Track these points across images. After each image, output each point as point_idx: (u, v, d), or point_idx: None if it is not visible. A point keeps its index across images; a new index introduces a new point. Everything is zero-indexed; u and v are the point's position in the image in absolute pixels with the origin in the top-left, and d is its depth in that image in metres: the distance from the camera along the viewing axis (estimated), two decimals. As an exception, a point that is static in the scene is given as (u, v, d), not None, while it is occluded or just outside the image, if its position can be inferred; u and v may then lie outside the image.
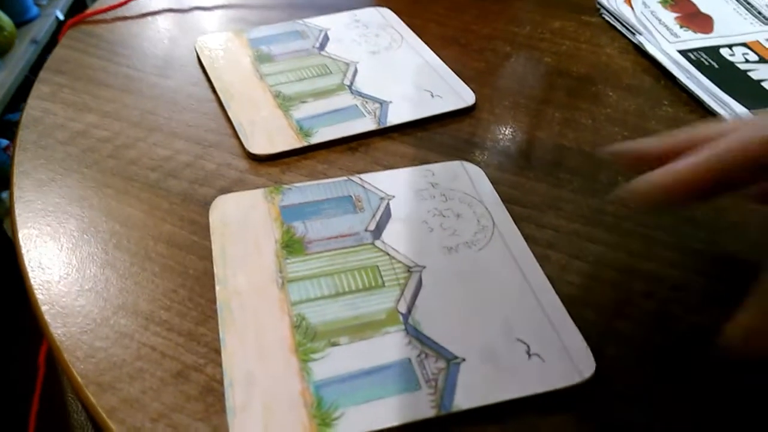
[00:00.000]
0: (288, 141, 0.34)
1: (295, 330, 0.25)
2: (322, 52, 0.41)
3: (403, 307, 0.26)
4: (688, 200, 0.23)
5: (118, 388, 0.24)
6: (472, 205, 0.31)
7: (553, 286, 0.27)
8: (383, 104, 0.37)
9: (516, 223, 0.30)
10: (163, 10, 0.46)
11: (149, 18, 0.45)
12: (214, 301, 0.27)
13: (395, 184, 0.32)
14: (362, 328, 0.25)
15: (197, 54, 0.41)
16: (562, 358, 0.24)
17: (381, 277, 0.27)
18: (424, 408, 0.23)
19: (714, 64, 0.40)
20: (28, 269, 0.29)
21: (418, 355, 0.24)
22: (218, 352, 0.25)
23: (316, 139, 0.34)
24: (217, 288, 0.27)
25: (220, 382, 0.24)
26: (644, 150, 0.26)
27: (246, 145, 0.34)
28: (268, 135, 0.35)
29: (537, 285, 0.27)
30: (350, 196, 0.31)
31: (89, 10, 0.45)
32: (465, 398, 0.23)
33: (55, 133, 0.35)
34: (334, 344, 0.25)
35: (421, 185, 0.32)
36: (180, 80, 0.39)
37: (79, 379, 0.24)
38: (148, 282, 0.28)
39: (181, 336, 0.26)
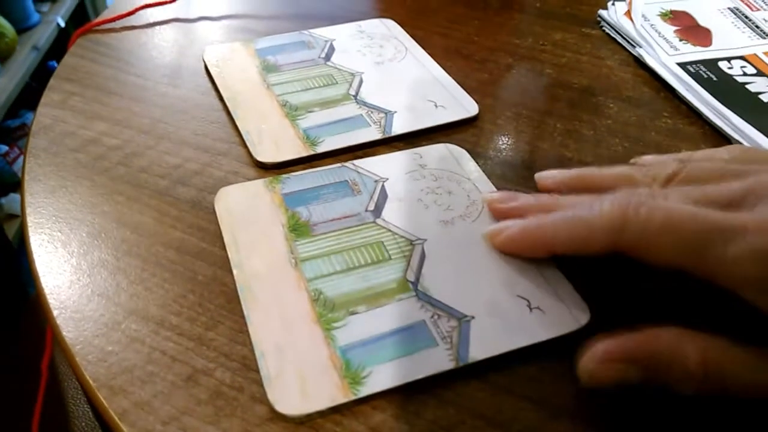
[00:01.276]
0: (295, 149, 0.35)
1: (315, 303, 0.27)
2: (328, 63, 0.42)
3: (411, 276, 0.28)
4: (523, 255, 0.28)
5: (129, 392, 0.24)
6: (461, 183, 0.33)
7: None
8: (388, 114, 0.38)
9: None
10: (170, 19, 0.47)
11: (157, 27, 0.46)
12: (223, 306, 0.27)
13: (387, 167, 0.34)
14: (377, 297, 0.27)
15: (205, 63, 0.42)
16: (560, 309, 0.27)
17: (386, 251, 0.29)
18: (444, 361, 0.25)
19: (712, 77, 0.40)
20: (40, 274, 0.29)
21: (432, 317, 0.27)
22: (227, 356, 0.26)
23: (322, 148, 0.35)
24: (235, 272, 0.28)
25: (230, 386, 0.25)
26: (558, 180, 0.31)
27: (253, 153, 0.34)
28: (275, 143, 0.35)
29: None
30: (346, 181, 0.33)
31: (98, 19, 0.46)
32: (479, 350, 0.25)
33: (66, 141, 0.36)
34: (353, 313, 0.27)
35: (412, 167, 0.34)
36: (188, 89, 0.40)
37: (91, 383, 0.25)
38: (158, 287, 0.28)
39: (191, 341, 0.26)
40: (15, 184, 1.36)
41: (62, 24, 1.50)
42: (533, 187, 0.33)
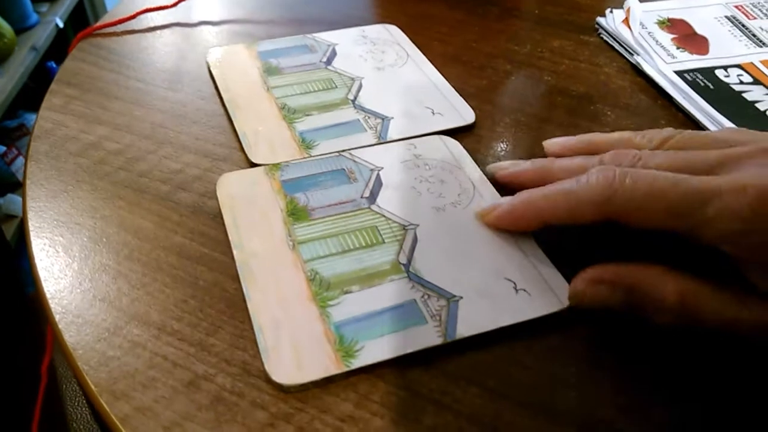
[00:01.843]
0: (289, 152, 0.35)
1: (311, 283, 0.28)
2: (329, 67, 0.42)
3: (403, 259, 0.30)
4: (516, 229, 0.31)
5: (131, 397, 0.25)
6: (453, 172, 0.34)
7: (531, 234, 0.31)
8: (384, 120, 0.38)
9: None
10: (171, 24, 0.47)
11: (158, 31, 0.46)
12: (224, 312, 0.28)
13: (382, 157, 0.35)
14: (370, 278, 0.29)
15: (208, 65, 0.42)
16: (545, 291, 0.28)
17: (380, 235, 0.31)
18: (432, 337, 0.26)
19: (709, 85, 0.41)
20: (41, 278, 0.29)
21: (422, 297, 0.28)
22: (228, 362, 0.26)
23: (316, 152, 0.36)
24: (235, 252, 0.30)
25: (231, 392, 0.25)
26: (506, 174, 0.33)
27: (248, 154, 0.35)
28: (271, 146, 0.36)
29: (515, 232, 0.31)
30: (343, 169, 0.34)
31: (99, 23, 0.46)
32: (466, 328, 0.27)
33: (67, 145, 0.36)
34: (347, 292, 0.28)
35: (406, 157, 0.35)
36: (189, 94, 0.40)
37: (93, 388, 0.25)
38: (160, 292, 0.28)
39: (192, 346, 0.26)
40: (13, 185, 1.36)
41: (61, 24, 1.50)
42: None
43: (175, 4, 0.48)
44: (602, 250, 0.28)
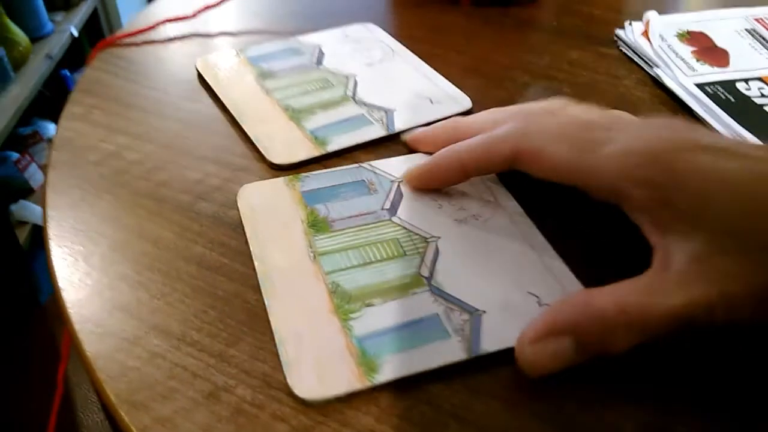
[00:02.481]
0: (307, 150, 0.36)
1: (332, 295, 0.28)
2: (320, 67, 0.43)
3: (425, 272, 0.29)
4: (443, 185, 0.33)
5: (150, 408, 0.25)
6: (474, 184, 0.34)
7: (552, 246, 0.30)
8: (388, 112, 0.39)
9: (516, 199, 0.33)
10: (190, 34, 0.47)
11: (177, 42, 0.46)
12: (244, 323, 0.27)
13: (402, 168, 0.35)
14: (392, 291, 0.28)
15: (198, 73, 0.42)
16: None
17: (402, 247, 0.30)
18: (456, 352, 0.26)
19: (730, 98, 0.40)
20: (61, 288, 0.29)
21: (445, 310, 0.27)
22: (248, 373, 0.26)
23: (332, 147, 0.36)
24: (256, 263, 0.30)
25: (252, 404, 0.25)
26: (419, 139, 0.36)
27: (267, 156, 0.35)
28: (287, 146, 0.36)
29: (538, 246, 0.30)
30: (363, 180, 0.34)
31: (119, 33, 0.46)
32: (490, 343, 0.26)
33: (87, 154, 0.36)
34: (369, 305, 0.28)
35: None
36: (208, 104, 0.40)
37: (113, 398, 0.25)
38: (180, 303, 0.28)
39: (212, 357, 0.26)
40: (26, 191, 1.37)
41: (75, 33, 1.52)
42: (556, 201, 0.33)
43: (194, 15, 0.48)
44: (627, 263, 0.28)
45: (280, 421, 0.24)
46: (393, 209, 0.32)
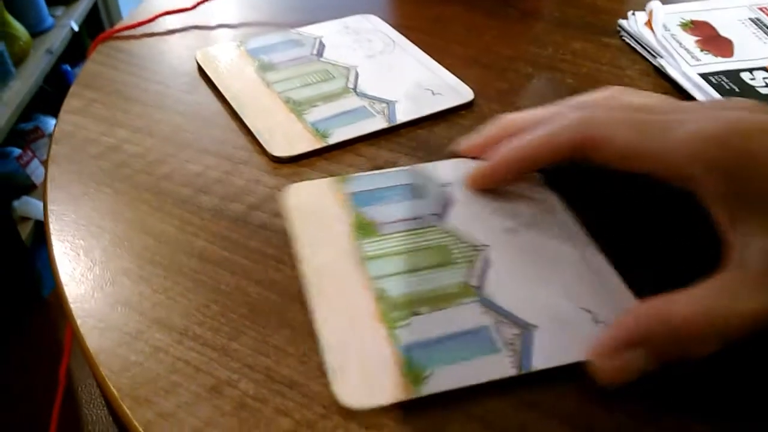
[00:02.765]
0: (307, 142, 0.36)
1: (379, 302, 0.27)
2: (321, 59, 0.43)
3: (474, 282, 0.28)
4: (507, 183, 0.32)
5: (153, 402, 0.24)
6: (525, 191, 0.33)
7: (606, 259, 0.29)
8: (390, 104, 0.39)
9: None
10: (190, 26, 0.47)
11: (177, 34, 0.46)
12: (246, 317, 0.27)
13: (451, 173, 0.34)
14: (439, 300, 0.27)
15: (199, 66, 0.42)
16: None
17: (450, 255, 0.29)
18: (505, 368, 0.25)
19: (735, 88, 0.40)
20: (63, 282, 0.29)
21: (494, 323, 0.27)
22: (251, 367, 0.26)
23: (333, 140, 0.36)
24: (302, 267, 0.29)
25: (254, 398, 0.25)
26: (473, 145, 0.34)
27: (267, 149, 0.35)
28: (287, 138, 0.36)
29: (594, 259, 0.29)
30: (412, 184, 0.33)
31: (118, 26, 0.46)
32: (542, 360, 0.25)
33: (87, 148, 0.36)
34: (416, 313, 0.27)
35: None
36: (208, 96, 0.40)
37: (115, 393, 0.25)
38: (182, 297, 0.28)
39: (215, 351, 0.26)
40: (28, 187, 1.37)
41: (76, 28, 1.51)
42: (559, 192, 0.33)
43: (194, 7, 0.48)
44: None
45: (283, 415, 0.24)
46: (442, 215, 0.31)
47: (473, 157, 0.34)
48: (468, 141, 0.34)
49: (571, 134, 0.28)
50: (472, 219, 0.31)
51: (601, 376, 0.24)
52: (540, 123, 0.30)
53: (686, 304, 0.23)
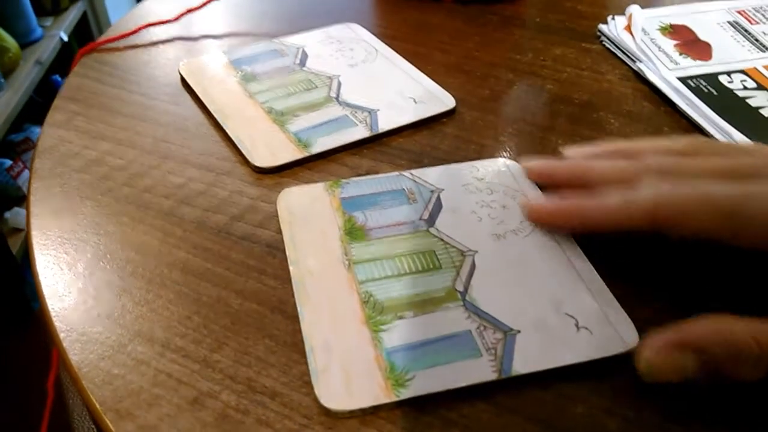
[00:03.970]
0: (290, 153, 0.36)
1: (364, 305, 0.28)
2: (304, 68, 0.43)
3: (460, 286, 0.29)
4: (562, 230, 0.31)
5: (135, 415, 0.25)
6: (516, 198, 0.33)
7: (594, 267, 0.29)
8: (372, 113, 0.39)
9: None
10: (173, 38, 0.47)
11: (160, 46, 0.46)
12: (228, 328, 0.27)
13: (443, 178, 0.34)
14: (424, 304, 0.28)
15: (182, 77, 0.42)
16: (608, 331, 0.27)
17: (438, 260, 0.30)
18: (486, 372, 0.25)
19: (713, 91, 0.40)
20: (46, 296, 0.29)
21: (477, 327, 0.27)
22: (233, 378, 0.26)
23: (316, 149, 0.36)
24: (291, 268, 0.29)
25: (236, 409, 0.25)
26: (538, 171, 0.34)
27: (249, 159, 0.35)
28: (269, 149, 0.36)
29: (579, 266, 0.30)
30: (403, 189, 0.34)
31: (101, 38, 0.46)
32: (522, 364, 0.26)
33: (70, 161, 0.36)
34: (401, 317, 0.27)
35: (467, 179, 0.34)
36: (191, 108, 0.40)
37: (98, 406, 0.25)
38: (164, 309, 0.28)
39: (197, 363, 0.26)
40: (19, 198, 1.36)
41: (65, 38, 1.51)
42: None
43: (177, 18, 0.48)
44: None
45: (265, 426, 0.24)
46: (431, 220, 0.32)
47: (453, 161, 0.35)
48: (536, 165, 0.34)
49: (646, 213, 0.28)
50: (461, 224, 0.31)
51: (645, 370, 0.25)
52: (616, 180, 0.30)
53: (743, 326, 0.24)
